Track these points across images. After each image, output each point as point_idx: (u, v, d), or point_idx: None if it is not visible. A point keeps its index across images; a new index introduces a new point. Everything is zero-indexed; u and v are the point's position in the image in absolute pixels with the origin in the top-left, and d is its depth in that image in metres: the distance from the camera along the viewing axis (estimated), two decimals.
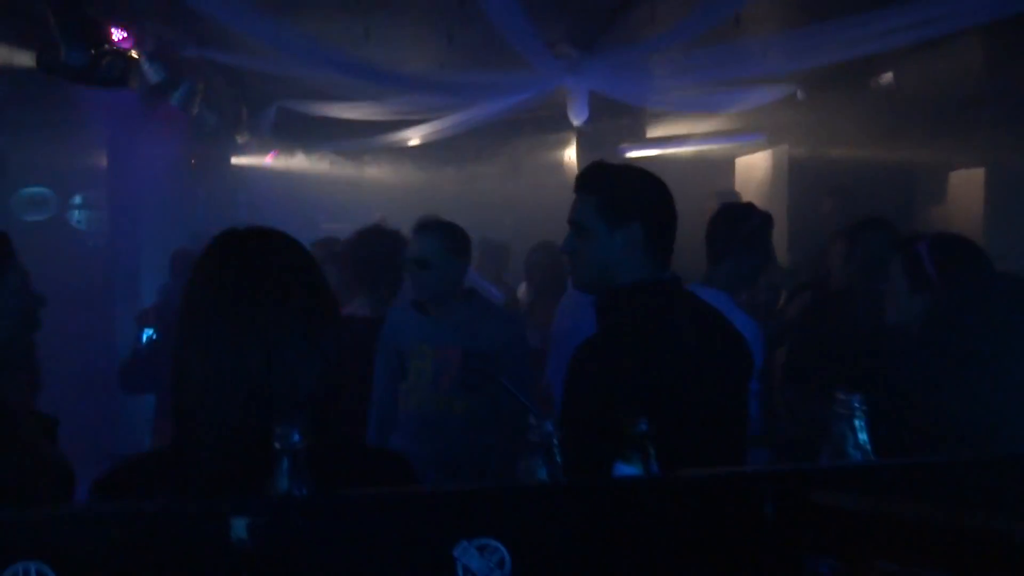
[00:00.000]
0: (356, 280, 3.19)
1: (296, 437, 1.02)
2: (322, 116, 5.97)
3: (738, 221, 3.03)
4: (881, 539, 0.91)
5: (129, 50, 3.62)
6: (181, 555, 0.94)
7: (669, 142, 7.16)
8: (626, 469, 1.09)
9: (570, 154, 7.23)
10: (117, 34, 3.57)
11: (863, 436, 1.25)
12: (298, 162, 7.14)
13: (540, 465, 1.08)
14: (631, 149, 7.32)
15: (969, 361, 2.21)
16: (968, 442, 1.98)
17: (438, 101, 5.46)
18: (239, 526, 0.93)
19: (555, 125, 6.36)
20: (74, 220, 6.19)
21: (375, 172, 7.41)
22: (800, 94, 6.09)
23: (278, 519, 0.95)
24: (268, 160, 6.90)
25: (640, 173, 1.93)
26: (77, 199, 6.21)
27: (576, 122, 6.37)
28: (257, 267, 1.24)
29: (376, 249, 3.14)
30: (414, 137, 6.09)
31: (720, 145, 7.18)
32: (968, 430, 2.03)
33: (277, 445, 1.01)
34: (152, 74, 4.14)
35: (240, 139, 6.30)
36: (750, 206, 3.19)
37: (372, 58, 4.48)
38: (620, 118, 6.53)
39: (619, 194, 1.88)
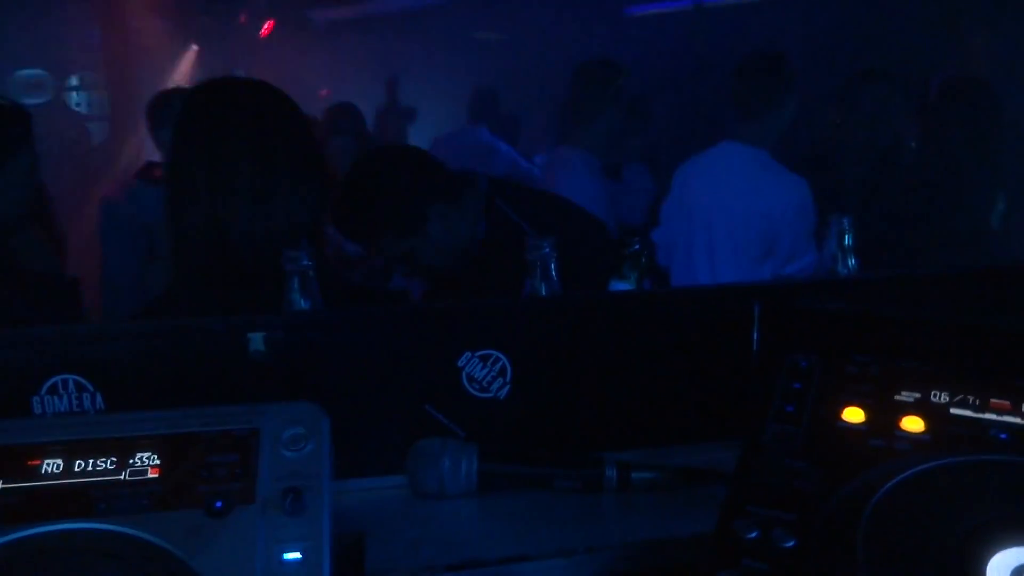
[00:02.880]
0: None
1: (305, 260, 1.07)
2: None
3: (773, 70, 2.79)
4: (856, 336, 0.96)
5: None
6: (206, 367, 1.01)
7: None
8: (621, 285, 1.15)
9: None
10: None
11: (852, 257, 1.30)
12: (294, 33, 6.93)
13: (539, 282, 1.13)
14: (638, 9, 7.07)
15: (960, 171, 2.25)
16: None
17: None
18: (256, 340, 1.00)
19: None
20: (72, 103, 6.12)
21: (373, 41, 7.20)
22: None
23: (292, 333, 1.01)
24: (263, 32, 6.70)
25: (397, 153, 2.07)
26: (74, 80, 6.12)
27: None
28: (214, 120, 1.30)
29: None
30: (409, 5, 5.88)
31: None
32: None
33: (287, 267, 1.07)
34: None
35: (234, 10, 6.11)
36: (782, 55, 2.92)
37: None
38: None
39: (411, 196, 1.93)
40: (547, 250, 1.12)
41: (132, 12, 5.74)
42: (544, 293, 1.13)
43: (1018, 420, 0.86)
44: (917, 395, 0.90)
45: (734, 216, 2.69)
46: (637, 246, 1.14)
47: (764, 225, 2.61)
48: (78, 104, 6.20)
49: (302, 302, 1.06)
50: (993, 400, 0.88)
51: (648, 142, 4.13)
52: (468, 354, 1.06)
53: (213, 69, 6.75)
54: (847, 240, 1.30)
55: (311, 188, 1.33)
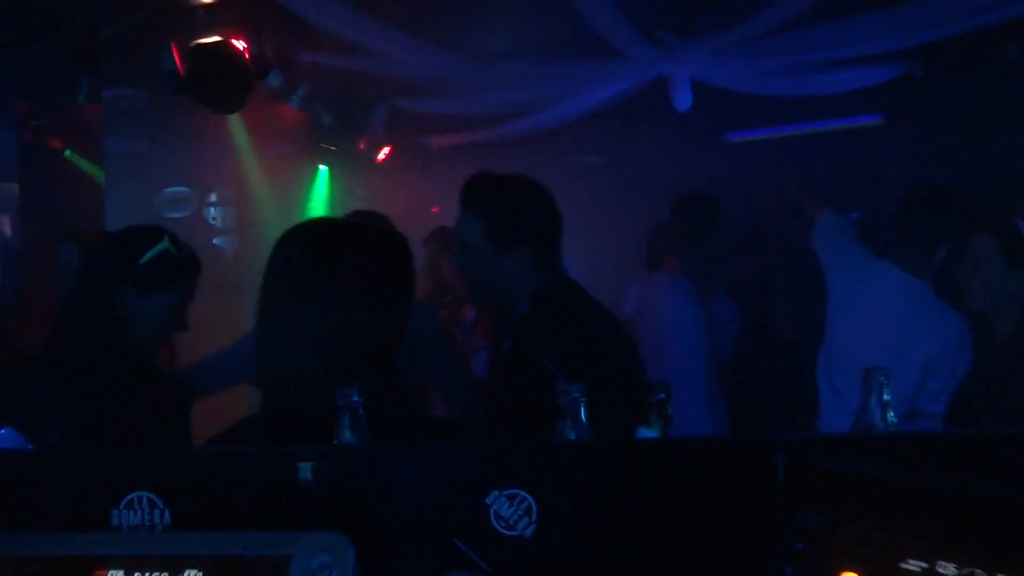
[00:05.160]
0: None
1: (355, 396, 1.19)
2: (431, 113, 6.23)
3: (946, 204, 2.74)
4: (867, 498, 0.97)
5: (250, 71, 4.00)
6: (261, 490, 1.13)
7: (778, 125, 6.99)
8: (646, 433, 1.20)
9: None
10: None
11: (890, 412, 1.31)
12: (410, 158, 7.45)
13: (568, 427, 1.20)
14: (738, 135, 7.20)
15: None
16: None
17: (538, 94, 5.59)
18: (305, 469, 1.11)
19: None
20: (210, 217, 6.75)
21: (481, 165, 7.62)
22: (918, 71, 5.80)
23: (337, 464, 1.13)
24: (381, 157, 7.23)
25: (527, 190, 1.93)
26: (213, 197, 6.77)
27: (680, 109, 6.33)
28: (313, 256, 1.43)
29: None
30: (514, 130, 6.25)
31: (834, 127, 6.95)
32: None
33: (339, 403, 1.19)
34: (272, 79, 4.49)
35: (355, 137, 6.67)
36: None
37: (469, 51, 4.70)
38: (724, 104, 6.44)
39: (507, 218, 1.88)
40: (575, 395, 1.20)
41: (264, 135, 6.37)
42: (573, 437, 1.20)
43: None
44: (924, 565, 0.91)
45: (892, 343, 2.63)
46: (663, 395, 1.20)
47: (922, 361, 2.56)
48: (214, 219, 6.82)
49: (350, 436, 1.18)
50: (1000, 575, 0.87)
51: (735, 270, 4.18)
52: (496, 492, 1.14)
53: (336, 190, 7.32)
54: (885, 394, 1.31)
55: (384, 329, 1.44)
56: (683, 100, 6.15)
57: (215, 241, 6.70)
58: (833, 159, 6.68)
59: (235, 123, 6.02)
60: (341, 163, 7.15)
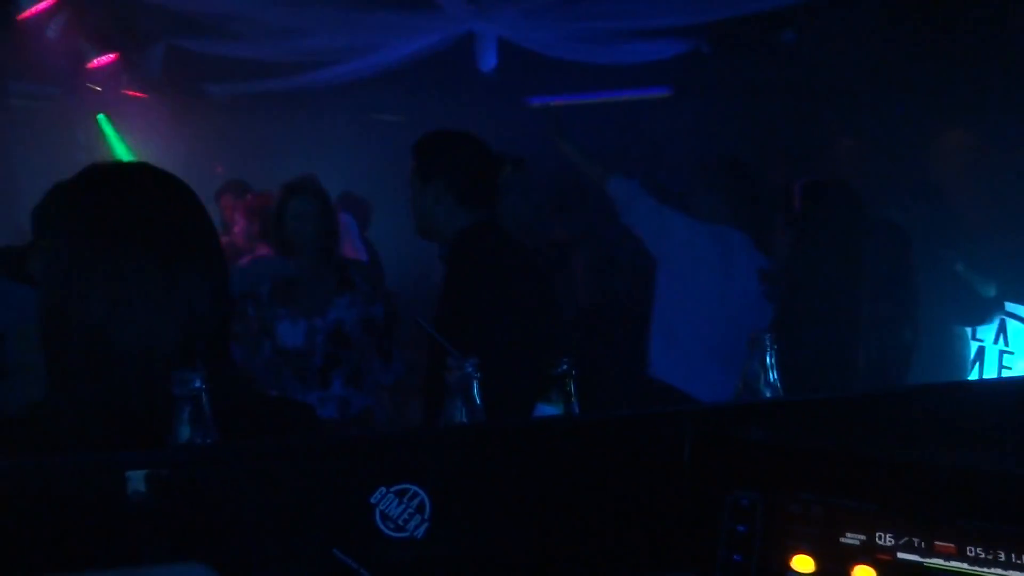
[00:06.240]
0: None
1: (197, 383, 0.95)
2: (216, 56, 5.62)
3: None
4: (797, 472, 0.92)
5: None
6: (76, 513, 0.86)
7: (575, 93, 7.14)
8: (548, 409, 1.08)
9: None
10: None
11: (773, 374, 1.29)
12: (190, 105, 6.71)
13: (460, 407, 1.05)
14: (538, 99, 7.26)
15: (825, 297, 2.33)
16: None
17: (342, 42, 5.23)
18: (136, 479, 0.86)
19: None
20: None
21: (271, 118, 7.08)
22: (705, 48, 6.15)
23: (180, 470, 0.88)
24: (156, 100, 6.46)
25: (456, 136, 2.28)
26: None
27: (484, 69, 6.24)
28: (112, 209, 1.14)
29: None
30: (313, 81, 5.83)
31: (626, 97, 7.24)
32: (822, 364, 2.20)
33: (176, 391, 0.94)
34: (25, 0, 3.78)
35: (126, 77, 5.89)
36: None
37: None
38: (527, 67, 6.45)
39: (427, 154, 2.24)
40: (469, 370, 1.04)
41: (14, 74, 5.43)
42: (465, 418, 1.05)
43: (964, 566, 0.83)
44: (862, 537, 0.86)
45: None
46: (565, 367, 1.08)
47: None
48: None
49: (192, 433, 0.93)
50: (938, 543, 0.85)
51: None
52: (383, 490, 0.96)
53: (100, 139, 6.43)
54: (768, 358, 1.28)
55: (211, 288, 1.19)
56: (488, 59, 6.06)
57: None
58: (623, 129, 6.96)
59: None
60: (108, 108, 6.31)
